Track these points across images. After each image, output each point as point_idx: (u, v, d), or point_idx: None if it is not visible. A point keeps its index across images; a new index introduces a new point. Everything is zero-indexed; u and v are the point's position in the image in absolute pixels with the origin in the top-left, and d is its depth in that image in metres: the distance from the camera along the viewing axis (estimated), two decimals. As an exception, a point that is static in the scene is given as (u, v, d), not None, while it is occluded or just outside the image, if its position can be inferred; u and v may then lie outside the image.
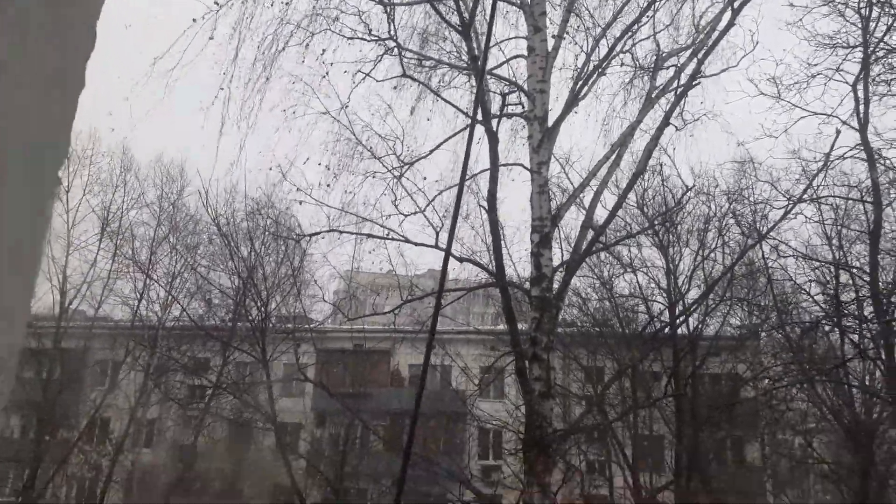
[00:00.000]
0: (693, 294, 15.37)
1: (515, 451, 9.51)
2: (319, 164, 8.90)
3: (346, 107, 8.61)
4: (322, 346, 19.83)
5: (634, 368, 13.57)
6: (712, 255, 15.09)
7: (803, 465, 17.52)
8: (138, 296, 20.20)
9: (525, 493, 7.40)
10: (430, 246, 7.86)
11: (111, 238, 20.50)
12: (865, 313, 13.20)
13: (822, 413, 15.24)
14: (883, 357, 12.44)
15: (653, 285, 16.50)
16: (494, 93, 8.87)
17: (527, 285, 8.52)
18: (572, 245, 9.56)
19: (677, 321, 14.93)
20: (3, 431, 22.96)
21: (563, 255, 10.08)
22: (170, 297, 19.42)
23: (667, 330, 14.43)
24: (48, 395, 18.56)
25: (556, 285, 8.27)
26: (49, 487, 19.47)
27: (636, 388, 15.30)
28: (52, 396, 18.57)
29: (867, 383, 14.60)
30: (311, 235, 9.34)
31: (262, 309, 13.86)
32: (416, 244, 8.16)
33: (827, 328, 14.18)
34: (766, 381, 15.40)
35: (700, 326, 15.32)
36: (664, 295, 15.86)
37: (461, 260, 8.26)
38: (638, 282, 19.21)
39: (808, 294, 14.46)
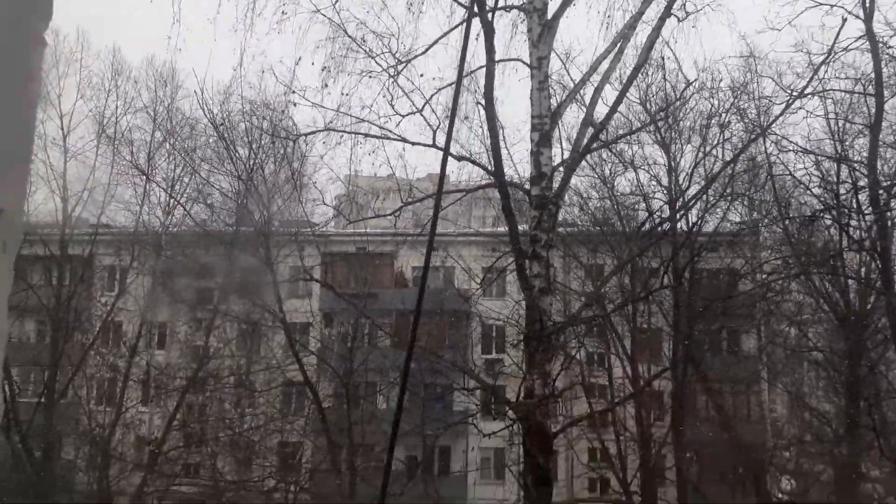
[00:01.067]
0: (694, 191, 15.39)
1: (517, 342, 9.84)
2: (313, 63, 8.72)
3: (338, 1, 8.33)
4: (326, 250, 20.08)
5: (633, 263, 13.80)
6: (714, 151, 14.98)
7: (798, 354, 18.11)
8: (140, 201, 20.27)
9: (525, 381, 7.73)
10: (428, 145, 7.82)
11: (108, 143, 20.32)
12: (863, 206, 13.27)
13: (818, 304, 15.63)
14: (878, 248, 12.62)
15: (653, 183, 16.51)
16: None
17: (527, 185, 8.54)
18: (572, 143, 9.50)
19: (677, 217, 15.02)
20: (20, 336, 23.68)
21: (563, 154, 10.01)
22: (172, 202, 19.45)
23: (666, 226, 14.54)
24: (60, 300, 18.99)
25: (556, 185, 8.29)
26: (70, 388, 20.27)
27: (635, 282, 15.61)
28: (64, 302, 18.99)
29: (862, 274, 14.87)
30: (307, 134, 9.29)
31: (265, 212, 13.92)
32: (413, 144, 8.12)
33: (826, 221, 14.30)
34: (764, 274, 15.69)
35: (699, 222, 15.44)
36: (665, 192, 15.88)
37: (460, 159, 8.23)
38: (639, 180, 19.19)
39: (808, 188, 14.47)
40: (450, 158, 8.30)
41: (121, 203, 20.68)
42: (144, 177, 19.61)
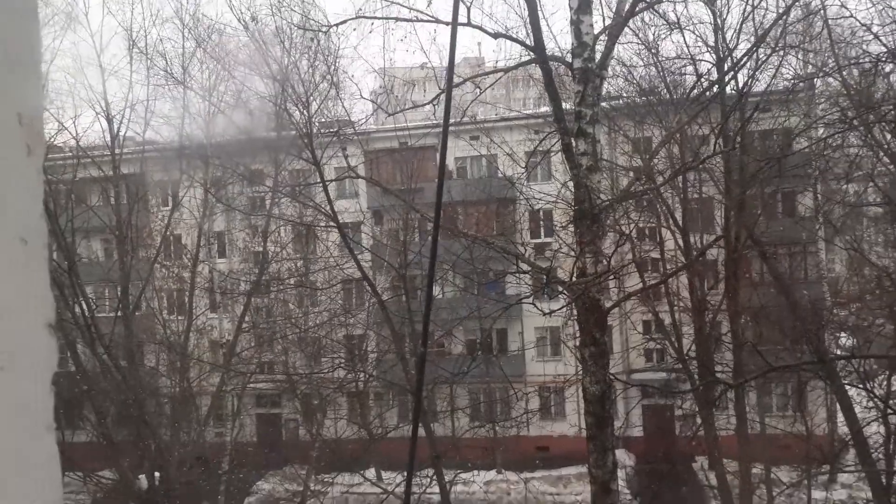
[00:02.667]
0: (743, 49, 14.56)
1: (566, 224, 9.85)
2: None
3: None
4: (368, 148, 20.08)
5: (682, 132, 13.39)
6: (763, 2, 14.00)
7: (857, 210, 17.64)
8: (180, 113, 20.40)
9: (577, 261, 7.81)
10: (463, 24, 7.53)
11: (141, 58, 20.28)
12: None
13: (878, 157, 15.01)
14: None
15: (700, 44, 15.66)
16: None
17: (568, 58, 8.24)
18: (614, 8, 9.04)
19: (726, 78, 14.33)
20: (90, 256, 24.86)
21: (604, 21, 9.53)
22: (212, 110, 19.50)
23: (715, 89, 13.91)
24: (120, 218, 19.71)
25: (599, 55, 7.98)
26: (142, 301, 21.43)
27: (684, 152, 15.20)
28: (124, 219, 19.70)
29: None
30: (338, 24, 9.06)
31: (304, 112, 13.85)
32: (447, 24, 7.84)
33: (888, 68, 13.45)
34: (821, 129, 15.05)
35: (750, 81, 14.69)
36: (712, 53, 15.09)
37: (496, 36, 7.90)
38: (685, 41, 18.25)
39: (870, 31, 13.50)
40: (486, 36, 8.03)
41: (161, 117, 20.90)
42: (182, 88, 19.63)
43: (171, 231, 21.74)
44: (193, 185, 20.70)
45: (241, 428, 22.92)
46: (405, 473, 15.67)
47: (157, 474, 18.43)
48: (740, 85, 14.86)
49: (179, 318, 21.83)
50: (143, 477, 18.85)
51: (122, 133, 20.80)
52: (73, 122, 21.80)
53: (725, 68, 14.68)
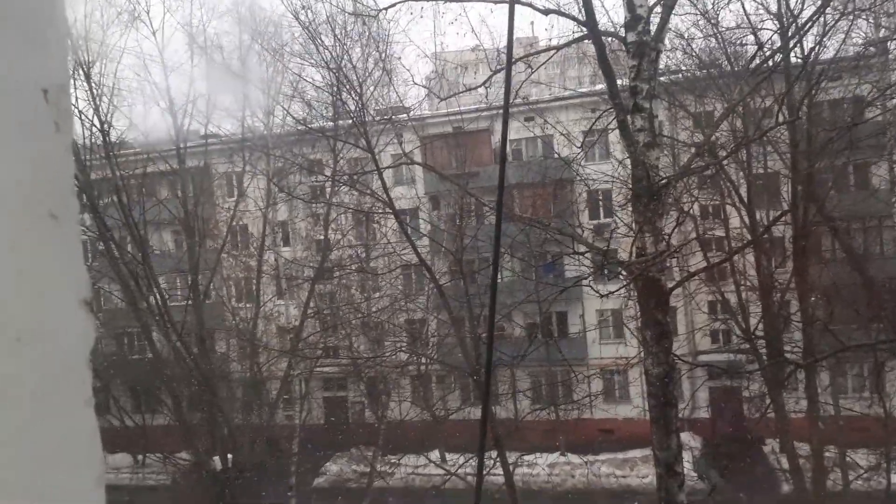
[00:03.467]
0: (808, 14, 13.90)
1: (625, 203, 9.71)
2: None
3: None
4: (423, 134, 20.20)
5: (744, 105, 12.94)
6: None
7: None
8: (241, 106, 20.98)
9: (636, 240, 7.69)
10: (514, 1, 7.46)
11: (201, 53, 20.92)
12: None
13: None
14: None
15: (761, 12, 15.03)
16: None
17: (621, 32, 8.08)
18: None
19: (790, 45, 13.70)
20: (161, 247, 25.94)
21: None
22: (271, 101, 19.98)
23: (778, 58, 13.33)
24: (188, 210, 20.46)
25: (653, 28, 7.79)
26: (211, 289, 22.25)
27: (747, 124, 14.69)
28: (192, 211, 20.44)
29: None
30: (387, 8, 9.13)
31: (359, 100, 14.05)
32: (496, 2, 7.78)
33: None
34: (894, 97, 14.29)
35: (816, 48, 14.01)
36: (775, 20, 14.46)
37: (546, 12, 7.80)
38: (744, 9, 17.55)
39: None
40: (538, 15, 7.93)
41: (223, 110, 21.54)
42: (241, 81, 20.16)
43: (236, 221, 22.45)
44: (256, 176, 21.28)
45: (310, 411, 23.60)
46: (470, 457, 15.83)
47: (229, 456, 19.19)
48: (806, 52, 14.21)
49: (248, 305, 22.57)
50: (216, 458, 19.68)
51: (185, 127, 21.56)
52: (143, 119, 22.67)
53: (790, 34, 14.07)
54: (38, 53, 0.66)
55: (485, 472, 14.97)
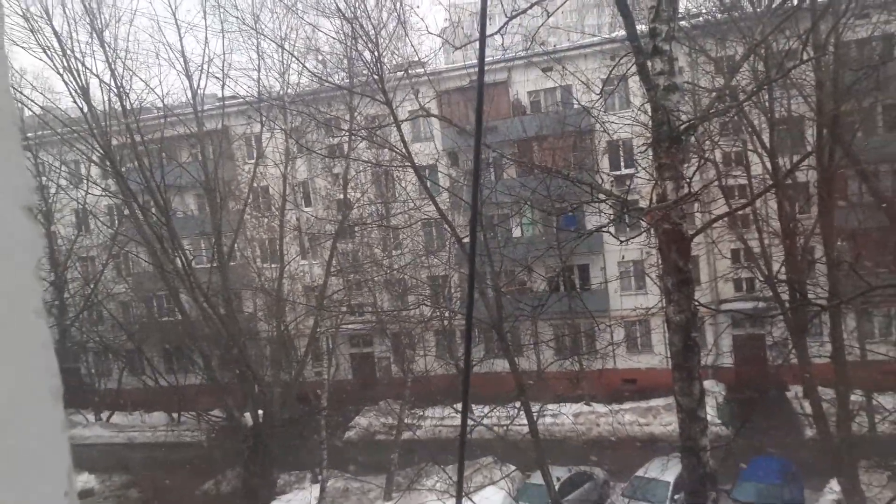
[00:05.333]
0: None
1: (645, 149, 9.60)
2: None
3: None
4: (440, 88, 20.00)
5: (766, 46, 12.60)
6: None
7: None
8: (256, 65, 20.88)
9: (656, 186, 7.63)
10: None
11: (215, 13, 20.78)
12: None
13: None
14: None
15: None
16: None
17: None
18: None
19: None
20: (185, 210, 26.26)
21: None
22: (287, 57, 19.82)
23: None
24: (208, 173, 20.62)
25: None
26: (235, 250, 22.55)
27: (769, 67, 14.33)
28: (213, 173, 20.60)
29: None
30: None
31: (375, 51, 13.91)
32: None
33: None
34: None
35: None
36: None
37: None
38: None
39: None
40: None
41: (239, 69, 21.45)
42: (256, 36, 19.97)
43: (257, 182, 22.59)
44: (274, 135, 21.30)
45: (337, 367, 24.07)
46: (494, 407, 16.08)
47: (260, 412, 19.72)
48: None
49: (272, 265, 22.88)
50: (248, 415, 20.24)
51: (202, 88, 21.55)
52: (160, 82, 22.63)
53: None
54: None
55: (510, 421, 15.26)
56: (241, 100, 21.37)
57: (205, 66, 21.01)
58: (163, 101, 19.75)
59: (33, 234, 0.63)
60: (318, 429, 21.29)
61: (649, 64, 7.85)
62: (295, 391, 21.03)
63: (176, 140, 21.50)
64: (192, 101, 20.84)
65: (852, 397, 15.87)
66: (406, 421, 20.19)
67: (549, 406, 18.20)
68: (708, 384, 20.89)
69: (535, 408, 15.45)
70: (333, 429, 22.91)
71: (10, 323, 0.60)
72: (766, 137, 16.17)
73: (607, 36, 22.60)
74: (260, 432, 19.45)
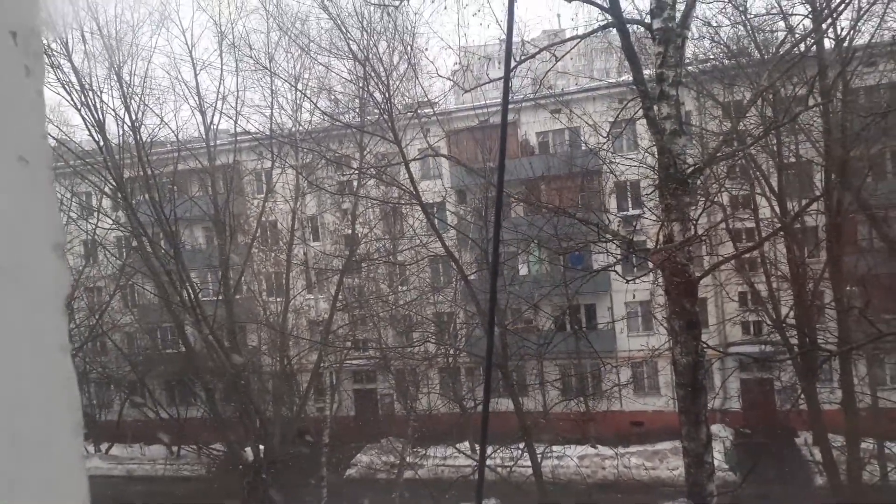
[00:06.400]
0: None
1: (652, 191, 9.66)
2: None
3: None
4: (449, 128, 20.26)
5: (774, 91, 12.74)
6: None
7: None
8: (270, 102, 21.25)
9: (662, 228, 7.66)
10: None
11: (231, 51, 21.24)
12: None
13: None
14: None
15: (792, -4, 14.75)
16: None
17: (647, 20, 8.04)
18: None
19: (822, 28, 13.42)
20: (193, 244, 26.42)
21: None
22: (299, 97, 20.19)
23: (810, 41, 13.08)
24: (218, 207, 20.81)
25: (679, 14, 7.75)
26: (242, 283, 22.60)
27: (777, 112, 14.46)
28: (222, 207, 20.78)
29: None
30: None
31: (386, 93, 14.15)
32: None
33: None
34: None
35: (850, 33, 13.73)
36: (806, 4, 14.19)
37: None
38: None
39: None
40: (564, 7, 7.89)
41: (252, 107, 21.85)
42: (270, 76, 20.43)
43: (266, 217, 22.76)
44: (285, 171, 21.55)
45: (340, 403, 23.88)
46: (498, 447, 15.86)
47: (261, 447, 19.52)
48: (839, 35, 13.92)
49: (278, 299, 22.89)
50: (248, 450, 20.03)
51: (215, 124, 21.89)
52: (175, 117, 23.00)
53: (822, 17, 13.79)
54: None
55: (513, 462, 15.04)
56: (253, 136, 21.67)
57: (218, 104, 21.39)
58: (176, 136, 20.06)
59: (61, 272, 0.65)
60: (319, 465, 21.03)
61: (656, 108, 7.96)
62: (296, 427, 20.83)
63: (187, 174, 21.74)
64: (204, 137, 21.14)
65: (863, 445, 15.60)
66: (408, 460, 19.92)
67: (555, 448, 17.96)
68: (716, 428, 20.60)
69: (539, 449, 15.24)
70: (334, 466, 22.61)
71: (37, 358, 0.61)
72: (773, 181, 16.23)
73: (614, 80, 22.90)
74: (260, 468, 19.23)
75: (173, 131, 20.63)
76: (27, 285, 0.62)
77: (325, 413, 22.64)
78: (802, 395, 15.22)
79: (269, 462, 19.11)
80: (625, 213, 22.81)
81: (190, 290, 19.38)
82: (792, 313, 16.06)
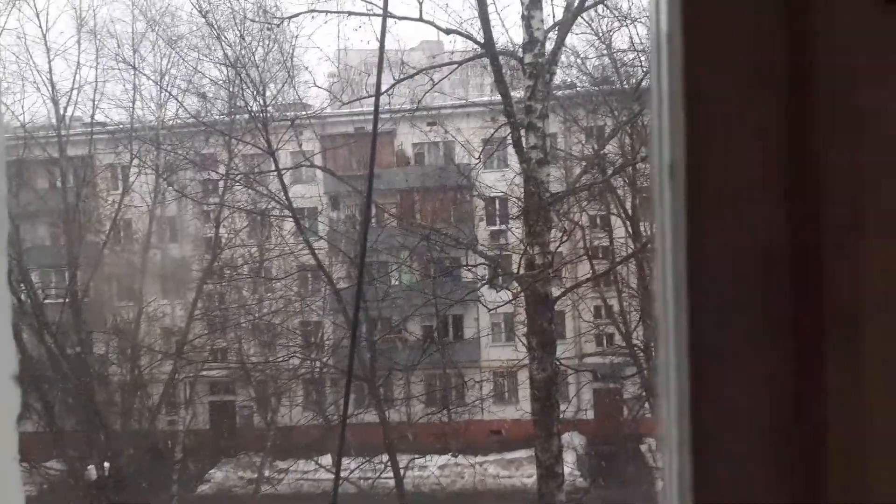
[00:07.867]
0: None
1: (517, 216, 10.06)
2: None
3: None
4: (324, 133, 19.94)
5: (633, 123, 13.68)
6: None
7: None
8: (131, 97, 19.94)
9: (525, 254, 8.02)
10: (415, 19, 7.63)
11: (91, 38, 19.75)
12: None
13: None
14: None
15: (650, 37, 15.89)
16: None
17: (520, 52, 8.38)
18: (566, 2, 9.16)
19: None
20: (35, 241, 24.14)
21: (555, 16, 9.68)
22: (164, 94, 19.17)
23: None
24: (67, 202, 19.23)
25: (550, 48, 8.14)
26: (90, 286, 20.96)
27: (635, 143, 15.52)
28: (72, 203, 19.23)
29: None
30: (289, 18, 9.03)
31: (260, 99, 13.72)
32: (399, 18, 7.91)
33: None
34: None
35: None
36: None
37: (448, 32, 8.03)
38: (638, 34, 18.47)
39: None
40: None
41: (112, 99, 20.40)
42: (133, 70, 19.23)
43: (121, 216, 21.30)
44: (144, 171, 20.31)
45: (194, 416, 22.69)
46: (363, 461, 15.76)
47: (106, 464, 18.16)
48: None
49: (130, 304, 21.45)
50: (92, 467, 18.57)
51: (68, 114, 20.25)
52: (21, 103, 20.93)
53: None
54: None
55: (376, 475, 15.02)
56: (111, 128, 20.29)
57: (74, 92, 19.76)
58: (21, 122, 18.34)
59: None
60: (170, 483, 19.88)
61: (523, 136, 8.32)
62: (146, 441, 19.59)
63: (34, 164, 19.93)
64: (55, 125, 19.50)
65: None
66: (267, 474, 19.31)
67: (418, 459, 18.12)
68: (571, 436, 21.63)
69: (403, 461, 15.33)
70: (186, 482, 21.46)
71: None
72: (628, 204, 17.40)
73: (488, 98, 23.61)
74: (104, 486, 17.89)
75: (16, 116, 18.85)
76: None
77: (177, 427, 21.46)
78: (645, 403, 16.40)
79: (114, 480, 17.82)
80: (493, 226, 23.53)
81: (29, 291, 17.76)
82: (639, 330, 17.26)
